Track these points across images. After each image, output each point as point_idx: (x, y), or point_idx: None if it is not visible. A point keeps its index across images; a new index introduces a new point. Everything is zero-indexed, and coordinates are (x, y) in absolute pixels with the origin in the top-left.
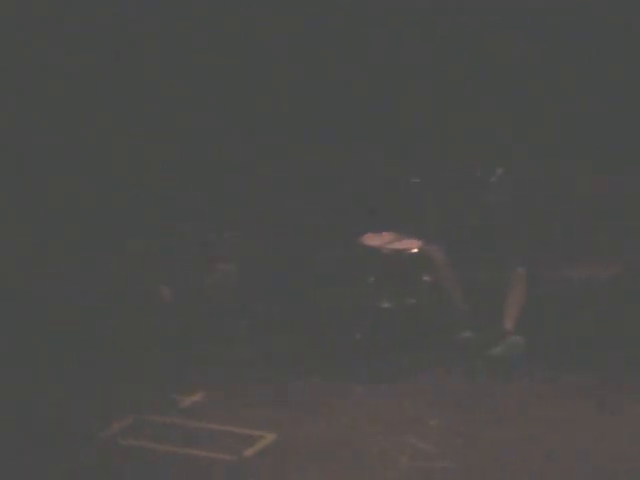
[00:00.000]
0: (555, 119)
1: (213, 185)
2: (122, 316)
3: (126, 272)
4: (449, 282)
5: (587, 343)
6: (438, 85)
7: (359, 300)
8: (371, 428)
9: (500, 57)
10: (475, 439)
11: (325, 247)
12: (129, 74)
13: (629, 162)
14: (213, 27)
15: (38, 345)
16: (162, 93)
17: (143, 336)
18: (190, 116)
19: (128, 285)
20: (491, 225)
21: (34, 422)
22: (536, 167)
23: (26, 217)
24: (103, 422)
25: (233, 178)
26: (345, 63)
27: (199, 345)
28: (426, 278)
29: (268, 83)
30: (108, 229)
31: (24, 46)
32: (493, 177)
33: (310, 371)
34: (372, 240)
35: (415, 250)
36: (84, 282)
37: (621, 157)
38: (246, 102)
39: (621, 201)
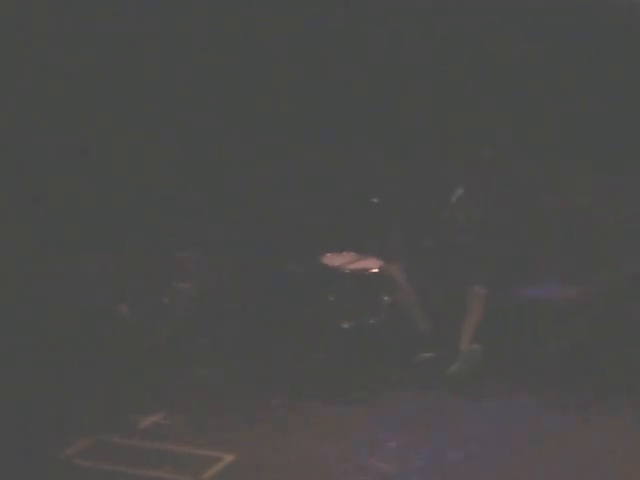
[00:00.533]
0: (555, 119)
1: (213, 185)
2: (84, 333)
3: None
4: (410, 301)
5: (553, 361)
6: (438, 85)
7: (320, 319)
8: (331, 448)
9: (500, 57)
10: (436, 459)
11: (292, 264)
12: (129, 74)
13: (629, 162)
14: (213, 27)
15: (38, 345)
16: (162, 93)
17: (105, 354)
18: (190, 116)
19: (89, 302)
20: (452, 244)
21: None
22: (536, 167)
23: (26, 217)
24: (60, 442)
25: (233, 178)
26: (345, 63)
27: (159, 364)
28: (386, 298)
29: (268, 83)
30: (108, 229)
31: (24, 46)
32: (454, 197)
33: (270, 391)
34: (333, 259)
35: (376, 270)
36: (84, 282)
37: (621, 157)
38: (246, 102)
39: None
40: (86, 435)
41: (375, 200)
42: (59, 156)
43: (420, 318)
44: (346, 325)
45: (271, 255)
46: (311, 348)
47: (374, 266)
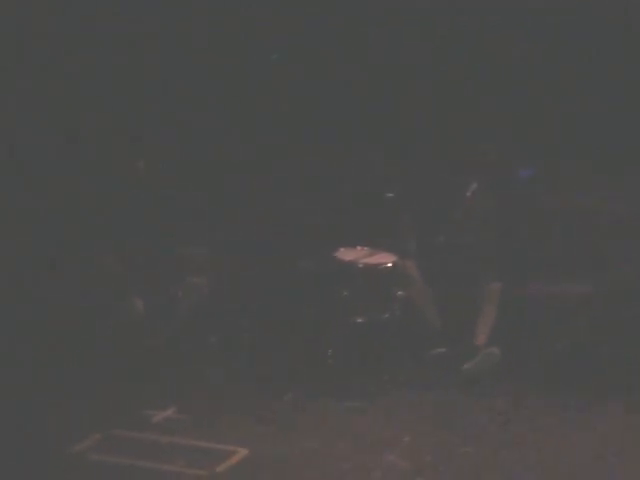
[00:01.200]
0: (555, 119)
1: (213, 185)
2: (95, 330)
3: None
4: (423, 297)
5: (563, 361)
6: (438, 85)
7: (333, 315)
8: (344, 445)
9: (500, 57)
10: (449, 456)
11: (300, 260)
12: (129, 74)
13: (629, 162)
14: (213, 27)
15: (38, 345)
16: (162, 93)
17: (117, 350)
18: (190, 116)
19: (99, 299)
20: (465, 240)
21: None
22: (537, 167)
23: (26, 217)
24: (74, 437)
25: (233, 178)
26: (345, 63)
27: (172, 360)
28: (400, 293)
29: (268, 83)
30: (108, 229)
31: (24, 46)
32: (468, 192)
33: (283, 387)
34: (346, 254)
35: (389, 265)
36: (84, 282)
37: (621, 157)
38: (246, 102)
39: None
40: (99, 430)
41: (390, 195)
42: (59, 156)
43: (433, 314)
44: (359, 320)
45: (272, 255)
46: (323, 344)
47: (388, 261)
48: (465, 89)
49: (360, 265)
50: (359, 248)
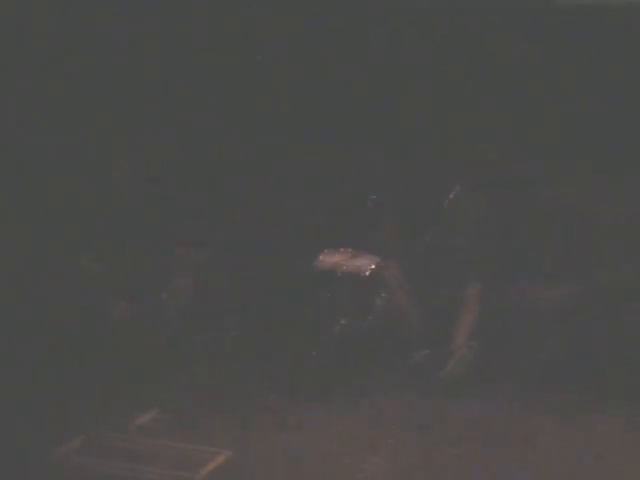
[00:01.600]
0: (555, 119)
1: (213, 185)
2: (80, 332)
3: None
4: (405, 300)
5: (563, 360)
6: (438, 85)
7: (315, 317)
8: (327, 447)
9: (500, 57)
10: (431, 458)
11: (292, 263)
12: (129, 74)
13: (629, 162)
14: (213, 27)
15: (38, 345)
16: (162, 93)
17: (102, 351)
18: (190, 116)
19: (86, 301)
20: (448, 244)
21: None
22: (536, 167)
23: (26, 217)
24: (56, 439)
25: (233, 178)
26: (345, 63)
27: (154, 361)
28: (382, 295)
29: (268, 83)
30: (108, 229)
31: (24, 46)
32: (451, 194)
33: (266, 389)
34: (329, 257)
35: (372, 267)
36: (84, 282)
37: (621, 157)
38: (246, 102)
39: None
40: (82, 432)
41: (373, 197)
42: (59, 156)
43: (415, 317)
44: (342, 323)
45: (270, 255)
46: (307, 347)
47: (371, 264)
48: (465, 89)
49: (343, 267)
50: (342, 250)
